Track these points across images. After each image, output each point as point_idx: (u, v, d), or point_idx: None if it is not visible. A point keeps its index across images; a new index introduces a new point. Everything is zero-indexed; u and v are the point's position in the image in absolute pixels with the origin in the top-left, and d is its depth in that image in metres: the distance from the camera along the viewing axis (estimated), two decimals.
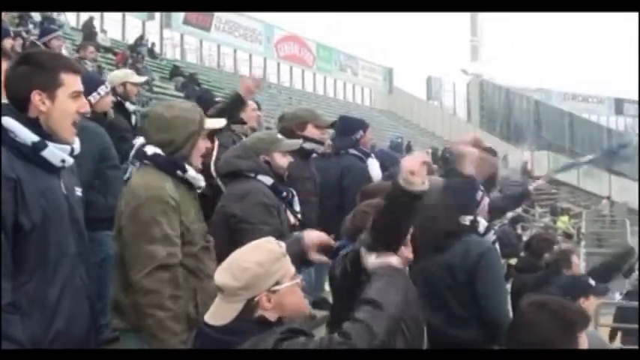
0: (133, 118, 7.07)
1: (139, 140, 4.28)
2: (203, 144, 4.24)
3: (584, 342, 3.20)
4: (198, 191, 4.31)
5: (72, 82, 3.39)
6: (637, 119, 58.09)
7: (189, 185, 4.16)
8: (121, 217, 4.06)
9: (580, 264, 8.78)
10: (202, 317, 3.40)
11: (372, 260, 3.35)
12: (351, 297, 3.45)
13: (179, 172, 4.08)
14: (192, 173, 4.13)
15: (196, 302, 4.01)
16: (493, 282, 4.77)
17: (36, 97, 3.29)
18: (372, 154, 7.61)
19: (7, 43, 8.42)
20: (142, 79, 8.63)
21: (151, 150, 4.09)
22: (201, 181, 4.22)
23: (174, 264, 3.94)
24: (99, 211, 5.32)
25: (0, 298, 3.06)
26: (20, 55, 3.52)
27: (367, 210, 4.39)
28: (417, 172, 3.41)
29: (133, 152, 4.32)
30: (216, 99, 8.43)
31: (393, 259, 3.32)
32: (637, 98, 51.16)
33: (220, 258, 4.24)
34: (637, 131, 42.28)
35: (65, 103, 3.35)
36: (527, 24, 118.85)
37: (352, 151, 7.37)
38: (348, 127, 7.58)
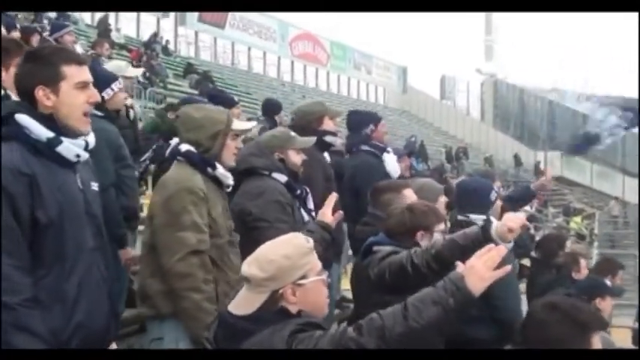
0: (131, 113, 6.95)
1: (175, 140, 4.58)
2: (233, 144, 4.49)
3: (597, 344, 3.20)
4: (228, 190, 4.55)
5: (75, 74, 3.36)
6: None
7: (218, 183, 4.40)
8: (154, 206, 4.35)
9: (592, 266, 8.73)
10: (222, 307, 3.46)
11: (470, 263, 2.97)
12: (380, 301, 3.43)
13: (209, 170, 4.35)
14: (221, 171, 4.39)
15: (217, 292, 4.18)
16: (506, 283, 4.75)
17: (40, 92, 3.29)
18: (389, 149, 7.29)
19: (15, 35, 8.39)
20: (138, 72, 8.43)
21: (184, 147, 4.38)
22: (229, 179, 4.47)
23: (203, 250, 4.18)
24: None
25: (18, 293, 3.09)
26: (25, 53, 3.54)
27: (426, 209, 4.41)
28: (514, 230, 3.50)
29: (169, 150, 4.64)
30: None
31: (477, 285, 2.91)
32: None
33: None
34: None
35: (70, 95, 3.33)
36: (543, 23, 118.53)
37: (364, 147, 7.13)
38: (358, 122, 7.36)
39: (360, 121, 7.40)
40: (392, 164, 7.09)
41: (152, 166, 7.64)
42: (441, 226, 4.39)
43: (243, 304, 3.03)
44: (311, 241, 3.12)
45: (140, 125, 8.95)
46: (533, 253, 8.24)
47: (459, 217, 5.13)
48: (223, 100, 7.36)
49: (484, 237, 3.58)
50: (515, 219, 3.60)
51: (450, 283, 2.90)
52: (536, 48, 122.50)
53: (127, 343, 5.55)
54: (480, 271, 2.92)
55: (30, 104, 3.32)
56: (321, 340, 2.86)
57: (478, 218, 4.86)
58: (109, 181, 5.33)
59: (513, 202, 7.99)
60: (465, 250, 3.53)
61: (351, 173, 7.01)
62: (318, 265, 3.09)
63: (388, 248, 4.21)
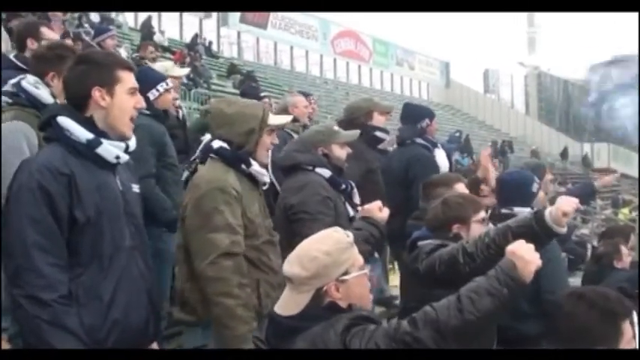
0: (180, 113, 6.91)
1: (207, 137, 4.39)
2: (268, 139, 4.32)
3: (628, 330, 3.18)
4: (264, 187, 4.41)
5: (128, 79, 3.46)
6: None
7: (253, 180, 4.25)
8: (185, 208, 4.15)
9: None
10: (265, 309, 3.45)
11: (510, 249, 3.07)
12: (428, 295, 3.44)
13: (243, 167, 4.17)
14: (256, 168, 4.22)
15: (259, 293, 4.04)
16: (558, 276, 4.73)
17: (96, 93, 3.35)
18: (440, 144, 7.26)
19: (68, 42, 8.46)
20: (184, 71, 8.44)
21: (217, 144, 4.21)
22: (265, 176, 4.32)
23: (237, 252, 3.99)
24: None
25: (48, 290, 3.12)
26: (76, 56, 3.61)
27: (461, 201, 4.40)
28: (569, 215, 3.56)
29: (200, 148, 4.41)
30: (263, 94, 8.55)
31: (527, 270, 2.99)
32: None
33: (283, 251, 4.31)
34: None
35: (123, 100, 3.41)
36: (586, 15, 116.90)
37: (419, 140, 7.02)
38: (414, 115, 7.27)
39: (417, 114, 7.32)
40: (442, 159, 7.04)
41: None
42: (480, 216, 4.34)
43: (288, 304, 2.99)
44: (351, 235, 3.07)
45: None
46: (597, 243, 8.12)
47: (503, 210, 5.08)
48: (247, 96, 7.49)
49: (537, 223, 3.59)
50: (569, 202, 3.58)
51: (503, 274, 2.95)
52: (579, 38, 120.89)
53: (177, 342, 5.47)
54: (523, 254, 2.99)
55: (79, 106, 3.38)
56: (375, 334, 2.85)
57: (522, 211, 4.81)
58: (147, 172, 5.31)
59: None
60: (518, 237, 3.41)
61: (405, 165, 6.87)
62: (360, 259, 3.06)
63: (434, 242, 4.20)
